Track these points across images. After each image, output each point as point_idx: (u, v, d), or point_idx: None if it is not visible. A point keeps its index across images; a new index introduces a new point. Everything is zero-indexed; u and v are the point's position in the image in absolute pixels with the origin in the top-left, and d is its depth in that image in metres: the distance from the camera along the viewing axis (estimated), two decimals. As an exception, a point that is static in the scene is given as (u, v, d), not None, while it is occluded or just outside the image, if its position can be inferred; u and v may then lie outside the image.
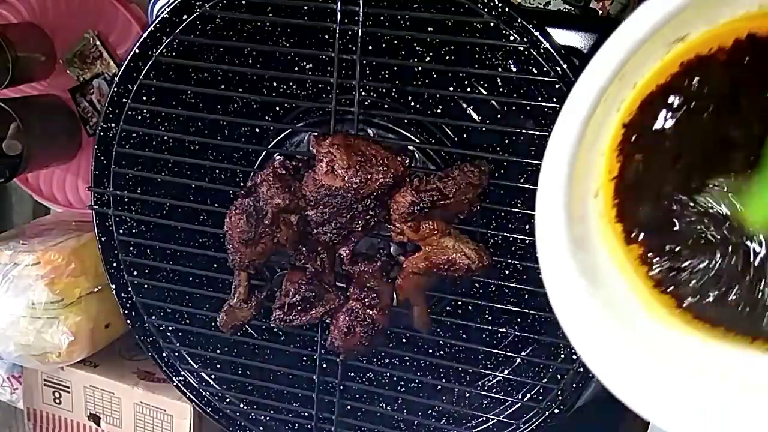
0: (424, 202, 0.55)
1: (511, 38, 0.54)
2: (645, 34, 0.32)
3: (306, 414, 0.67)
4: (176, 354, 0.70)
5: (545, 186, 0.37)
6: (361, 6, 0.55)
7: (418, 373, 0.65)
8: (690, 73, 0.37)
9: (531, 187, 0.57)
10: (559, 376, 0.59)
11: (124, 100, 0.63)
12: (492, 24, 0.54)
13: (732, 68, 0.36)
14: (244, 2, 0.59)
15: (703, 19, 0.35)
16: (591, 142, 0.38)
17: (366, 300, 0.58)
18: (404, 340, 0.66)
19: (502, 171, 0.58)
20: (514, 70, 0.57)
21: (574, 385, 0.58)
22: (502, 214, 0.60)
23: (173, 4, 0.59)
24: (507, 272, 0.61)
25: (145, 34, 0.61)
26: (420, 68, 0.60)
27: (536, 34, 0.53)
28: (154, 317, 0.69)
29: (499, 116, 0.59)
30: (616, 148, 0.39)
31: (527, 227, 0.60)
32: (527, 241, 0.59)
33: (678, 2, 0.31)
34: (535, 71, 0.54)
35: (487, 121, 0.60)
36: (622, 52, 0.33)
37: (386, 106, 0.62)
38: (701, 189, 0.39)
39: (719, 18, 0.35)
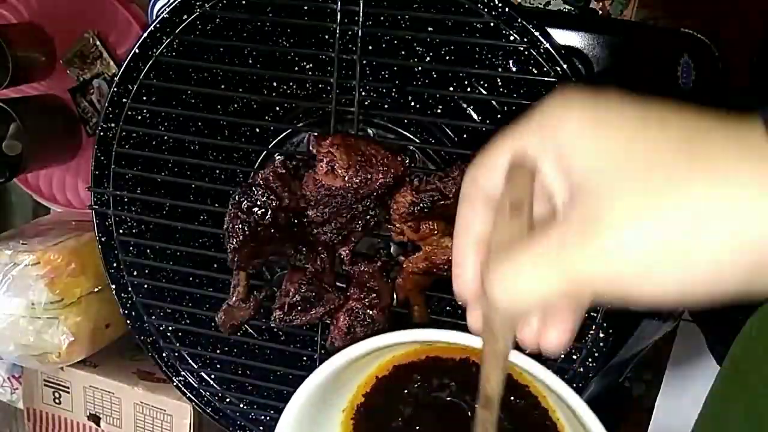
0: (424, 202, 0.55)
1: (511, 38, 0.54)
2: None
3: (306, 414, 0.67)
4: (176, 354, 0.70)
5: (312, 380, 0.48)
6: (361, 6, 0.55)
7: (418, 373, 0.65)
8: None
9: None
10: (559, 375, 0.59)
11: (124, 100, 0.63)
12: (492, 24, 0.54)
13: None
14: (244, 2, 0.59)
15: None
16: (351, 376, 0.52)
17: (366, 300, 0.58)
18: (404, 340, 0.66)
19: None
20: (514, 70, 0.57)
21: (574, 385, 0.58)
22: (502, 214, 0.60)
23: (173, 4, 0.59)
24: (507, 272, 0.61)
25: (145, 34, 0.61)
26: (420, 68, 0.60)
27: (536, 34, 0.53)
28: (154, 317, 0.69)
29: (499, 116, 0.59)
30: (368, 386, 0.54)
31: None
32: (527, 241, 0.59)
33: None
34: (535, 71, 0.54)
35: (487, 121, 0.60)
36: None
37: (386, 106, 0.62)
38: None
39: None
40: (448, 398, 0.52)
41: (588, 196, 0.28)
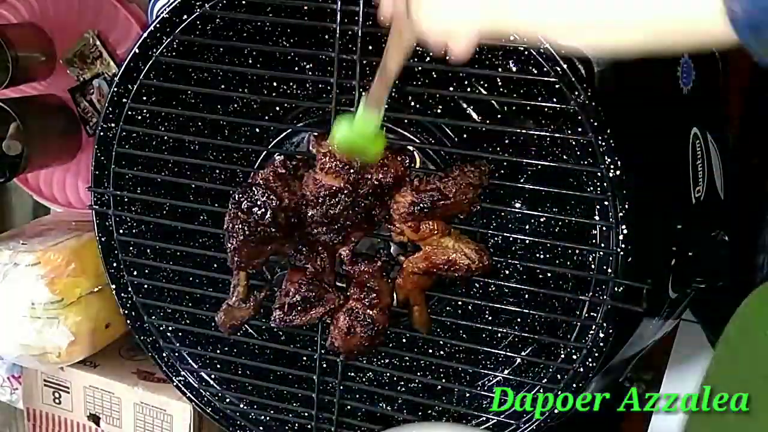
0: (424, 202, 0.55)
1: (511, 38, 0.54)
2: None
3: (306, 414, 0.67)
4: (176, 354, 0.70)
5: None
6: (361, 6, 0.55)
7: (418, 373, 0.65)
8: None
9: (531, 187, 0.57)
10: (559, 376, 0.59)
11: (124, 100, 0.63)
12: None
13: None
14: (244, 2, 0.59)
15: None
16: None
17: (366, 300, 0.58)
18: (404, 340, 0.66)
19: (502, 171, 0.58)
20: (514, 70, 0.57)
21: (574, 385, 0.58)
22: (502, 214, 0.60)
23: (173, 4, 0.59)
24: (507, 272, 0.61)
25: (145, 34, 0.61)
26: (420, 68, 0.60)
27: (536, 34, 0.53)
28: (154, 317, 0.69)
29: (499, 116, 0.59)
30: None
31: (527, 227, 0.60)
32: (527, 241, 0.59)
33: None
34: (535, 71, 0.54)
35: (487, 121, 0.60)
36: None
37: (386, 106, 0.62)
38: None
39: None
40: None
41: None
